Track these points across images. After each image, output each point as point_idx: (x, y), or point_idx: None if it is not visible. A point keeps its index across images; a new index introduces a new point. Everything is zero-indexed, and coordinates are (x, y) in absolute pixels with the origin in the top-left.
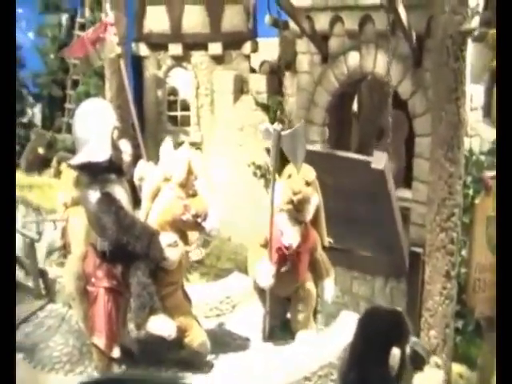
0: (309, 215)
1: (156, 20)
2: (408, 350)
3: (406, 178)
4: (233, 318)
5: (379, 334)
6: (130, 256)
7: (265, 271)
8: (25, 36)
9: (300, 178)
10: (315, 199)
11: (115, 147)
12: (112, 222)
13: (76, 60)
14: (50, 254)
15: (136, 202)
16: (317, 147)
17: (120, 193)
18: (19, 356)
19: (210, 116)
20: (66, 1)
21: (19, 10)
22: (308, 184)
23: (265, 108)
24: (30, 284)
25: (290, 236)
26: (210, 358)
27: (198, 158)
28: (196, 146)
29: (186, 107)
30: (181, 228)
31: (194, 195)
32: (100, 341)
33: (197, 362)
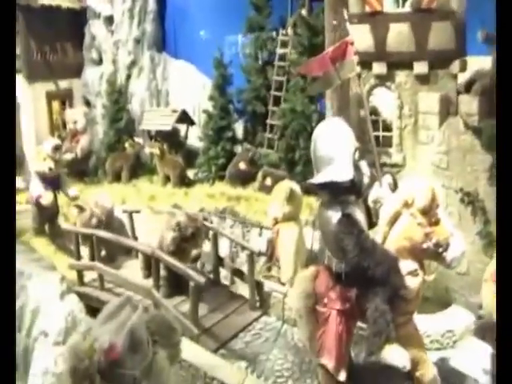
0: None
1: (360, 38)
2: None
3: None
4: (454, 353)
5: None
6: (369, 281)
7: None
8: (232, 55)
9: None
10: None
11: (357, 168)
12: (353, 244)
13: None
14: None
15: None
16: None
17: (359, 215)
18: (241, 364)
19: (413, 138)
20: (269, 21)
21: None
22: None
23: (475, 132)
24: (246, 294)
25: None
26: None
27: (438, 186)
28: (397, 167)
29: (387, 127)
30: (419, 256)
31: (436, 223)
32: (329, 363)
33: None
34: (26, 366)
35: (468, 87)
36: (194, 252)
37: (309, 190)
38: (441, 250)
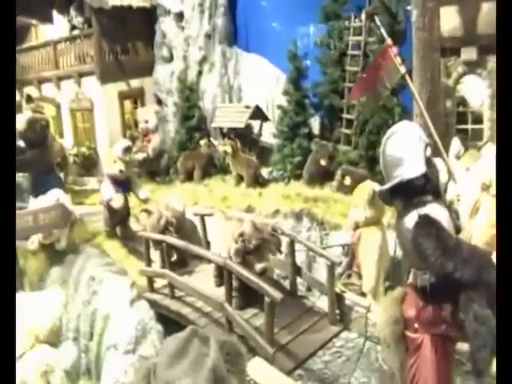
0: None
1: (447, 21)
2: None
3: None
4: None
5: None
6: (459, 286)
7: None
8: (307, 47)
9: None
10: None
11: (430, 164)
12: (434, 246)
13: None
14: (340, 275)
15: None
16: None
17: (440, 213)
18: None
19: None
20: (345, 9)
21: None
22: None
23: None
24: (325, 307)
25: None
26: None
27: None
28: None
29: (477, 120)
30: None
31: None
32: None
33: None
34: (98, 375)
35: None
36: (259, 266)
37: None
38: None
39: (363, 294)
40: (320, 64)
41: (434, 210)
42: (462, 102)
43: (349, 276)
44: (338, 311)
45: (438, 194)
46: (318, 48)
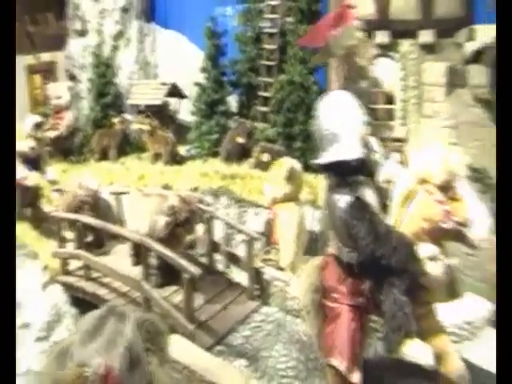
0: None
1: (361, 6)
2: None
3: None
4: (473, 347)
5: None
6: (384, 270)
7: None
8: (225, 25)
9: None
10: None
11: (365, 145)
12: (366, 231)
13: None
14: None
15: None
16: None
17: (371, 197)
18: (241, 362)
19: (417, 111)
20: None
21: None
22: None
23: (485, 104)
24: (244, 282)
25: None
26: None
27: (457, 156)
28: (400, 142)
29: (389, 100)
30: (439, 238)
31: (457, 199)
32: (341, 364)
33: None
34: None
35: (476, 57)
36: (189, 238)
37: (308, 168)
38: (464, 229)
39: (282, 269)
40: (238, 42)
41: (367, 193)
42: (376, 82)
43: (267, 252)
44: (257, 286)
45: (371, 174)
46: (236, 26)
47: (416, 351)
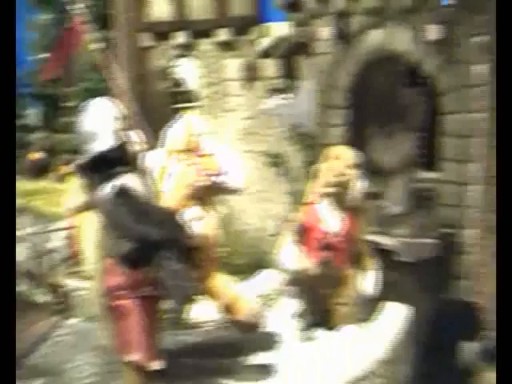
0: (351, 200)
1: (159, 7)
2: (479, 344)
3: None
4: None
5: (451, 326)
6: (156, 248)
7: (289, 253)
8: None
9: (342, 161)
10: (358, 184)
11: (121, 137)
12: (127, 212)
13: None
14: (61, 264)
15: None
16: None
17: (135, 182)
18: (40, 381)
19: (219, 105)
20: None
21: None
22: (350, 167)
23: (280, 93)
24: (43, 299)
25: (331, 223)
26: (245, 358)
27: (195, 117)
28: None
29: (193, 98)
30: (204, 197)
31: (205, 156)
32: (138, 356)
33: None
34: None
35: (268, 52)
36: None
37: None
38: (216, 179)
39: (87, 279)
40: (32, 50)
41: (129, 179)
42: (181, 82)
43: (74, 264)
44: (60, 300)
45: (134, 164)
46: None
47: (203, 311)
